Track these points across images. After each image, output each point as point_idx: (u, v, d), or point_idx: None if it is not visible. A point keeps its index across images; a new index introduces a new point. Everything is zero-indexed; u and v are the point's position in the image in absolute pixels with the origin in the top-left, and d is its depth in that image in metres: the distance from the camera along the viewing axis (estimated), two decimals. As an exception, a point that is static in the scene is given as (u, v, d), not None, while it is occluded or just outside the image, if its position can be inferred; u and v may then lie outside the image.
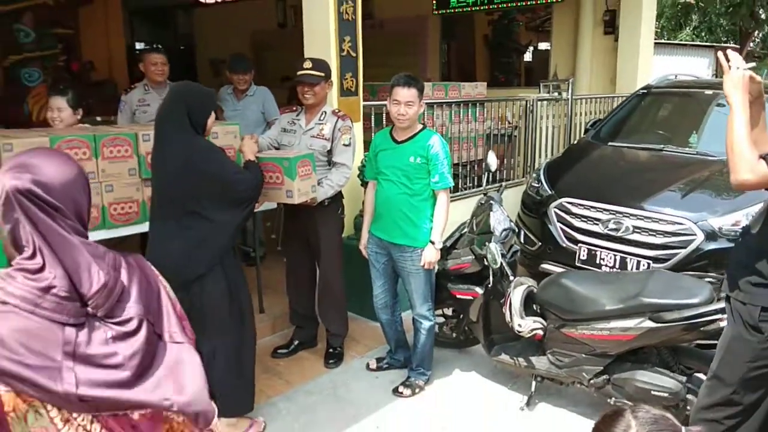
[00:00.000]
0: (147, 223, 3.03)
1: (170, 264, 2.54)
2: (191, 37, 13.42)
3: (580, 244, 3.99)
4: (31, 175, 1.19)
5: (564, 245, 4.08)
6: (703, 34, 20.89)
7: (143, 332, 1.25)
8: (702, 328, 2.58)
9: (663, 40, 17.05)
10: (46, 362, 1.14)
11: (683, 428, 1.18)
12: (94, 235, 2.90)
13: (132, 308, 1.27)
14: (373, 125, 4.40)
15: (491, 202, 3.34)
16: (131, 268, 1.33)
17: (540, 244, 4.29)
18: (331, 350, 3.64)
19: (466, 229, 3.42)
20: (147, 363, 1.26)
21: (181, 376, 1.31)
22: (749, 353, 2.02)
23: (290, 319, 3.80)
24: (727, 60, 2.01)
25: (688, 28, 20.59)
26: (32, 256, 1.18)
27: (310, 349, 3.77)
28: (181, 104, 2.58)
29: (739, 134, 1.95)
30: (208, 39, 12.86)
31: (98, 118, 5.15)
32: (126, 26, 10.68)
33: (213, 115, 2.68)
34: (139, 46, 13.45)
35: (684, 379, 2.74)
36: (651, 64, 7.80)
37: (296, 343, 3.73)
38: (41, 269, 1.17)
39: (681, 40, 18.67)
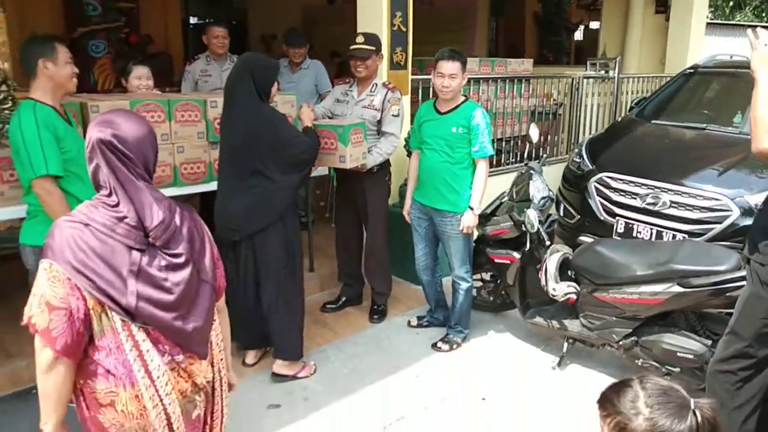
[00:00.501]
0: (212, 183, 3.35)
1: (236, 218, 2.88)
2: (244, 12, 13.68)
3: (617, 218, 4.12)
4: (112, 130, 1.49)
5: (602, 218, 4.21)
6: (764, 15, 20.11)
7: (189, 267, 1.53)
8: (728, 294, 2.72)
9: (720, 21, 16.52)
10: (115, 277, 1.44)
11: (692, 401, 1.20)
12: (167, 192, 3.22)
13: (182, 245, 1.54)
14: (420, 99, 4.58)
15: (531, 171, 3.51)
16: (183, 213, 1.59)
17: (579, 217, 4.43)
18: (375, 307, 3.91)
19: (506, 198, 3.61)
20: (190, 295, 1.55)
21: (195, 310, 1.59)
22: (764, 310, 2.18)
23: (338, 277, 4.08)
24: (757, 37, 2.15)
25: (747, 8, 19.85)
26: (110, 195, 1.49)
27: (356, 305, 4.05)
28: (248, 73, 2.84)
29: (762, 106, 2.09)
30: (260, 14, 13.13)
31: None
32: (181, 1, 10.99)
33: (276, 83, 2.94)
34: (193, 20, 13.86)
35: (709, 343, 2.88)
36: (702, 44, 7.69)
37: (343, 299, 4.01)
38: (117, 204, 1.48)
39: (740, 21, 18.04)
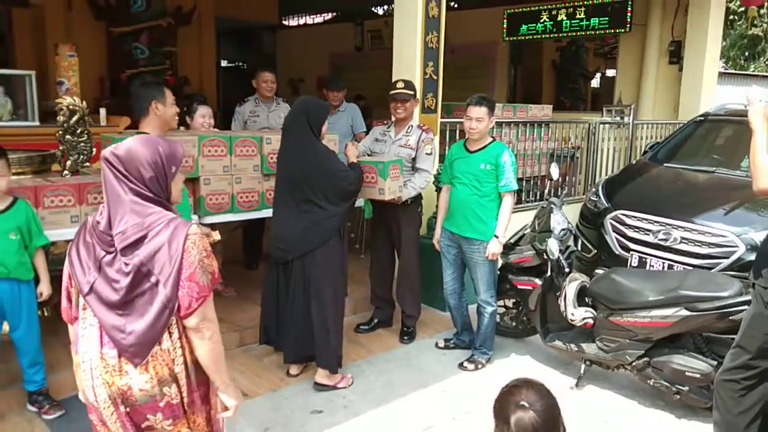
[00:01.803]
0: (264, 211, 3.75)
1: (290, 239, 3.26)
2: (273, 57, 14.37)
3: (632, 252, 4.43)
4: (112, 150, 1.73)
5: (617, 252, 4.52)
6: (777, 64, 20.54)
7: (131, 276, 1.69)
8: (731, 317, 3.01)
9: (733, 71, 16.95)
10: (84, 267, 1.74)
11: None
12: (225, 218, 3.62)
13: (136, 257, 1.69)
14: (447, 140, 4.98)
15: (552, 206, 3.85)
16: (163, 231, 1.71)
17: (595, 251, 4.74)
18: (405, 329, 4.23)
19: (528, 229, 3.95)
20: (134, 300, 1.72)
21: (139, 317, 1.73)
22: (767, 327, 2.49)
23: (371, 300, 4.41)
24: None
25: (762, 58, 20.32)
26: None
27: (387, 327, 4.37)
28: (303, 113, 3.27)
29: (759, 152, 2.46)
30: (289, 59, 13.79)
31: (182, 128, 5.82)
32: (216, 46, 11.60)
33: (326, 122, 3.36)
34: (224, 63, 14.56)
35: (715, 363, 3.14)
36: (714, 93, 8.06)
37: (375, 321, 4.34)
38: (103, 212, 1.75)
39: (754, 71, 18.46)
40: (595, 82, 13.38)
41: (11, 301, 2.91)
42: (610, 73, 12.21)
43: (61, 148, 3.79)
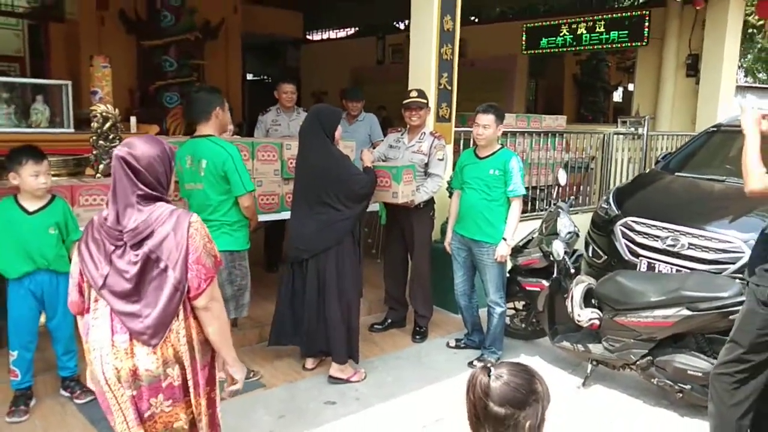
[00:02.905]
0: (283, 213, 3.95)
1: (305, 238, 3.45)
2: (297, 70, 14.72)
3: (641, 258, 4.52)
4: (128, 149, 1.85)
5: (627, 258, 4.61)
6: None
7: (140, 263, 1.82)
8: (730, 317, 3.09)
9: (748, 84, 16.82)
10: (96, 261, 1.85)
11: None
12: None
13: (145, 247, 1.82)
14: (461, 148, 5.14)
15: (560, 210, 3.99)
16: (167, 221, 1.84)
17: (606, 257, 4.83)
18: (417, 328, 4.38)
19: (536, 233, 4.08)
20: (146, 287, 1.84)
21: (153, 302, 1.84)
22: (759, 323, 2.60)
23: (384, 301, 4.58)
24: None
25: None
26: None
27: (400, 327, 4.53)
28: (317, 119, 3.48)
29: (751, 155, 2.59)
30: (312, 73, 14.13)
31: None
32: (242, 59, 11.94)
33: (339, 128, 3.56)
34: (249, 76, 14.94)
35: (716, 362, 3.24)
36: (731, 105, 8.11)
37: (389, 321, 4.51)
38: (109, 209, 1.86)
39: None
40: (617, 96, 13.43)
41: (50, 291, 3.14)
42: (632, 87, 12.24)
43: (94, 152, 4.02)
